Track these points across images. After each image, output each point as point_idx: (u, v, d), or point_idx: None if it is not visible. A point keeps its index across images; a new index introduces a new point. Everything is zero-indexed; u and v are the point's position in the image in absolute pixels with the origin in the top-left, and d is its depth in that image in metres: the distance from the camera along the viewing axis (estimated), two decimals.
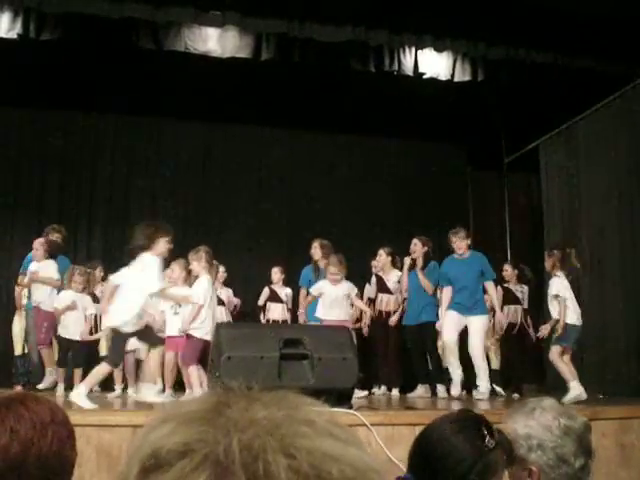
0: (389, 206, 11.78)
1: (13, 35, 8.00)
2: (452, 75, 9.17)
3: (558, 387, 7.08)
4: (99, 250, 10.95)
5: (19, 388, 7.28)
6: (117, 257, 10.58)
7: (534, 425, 2.11)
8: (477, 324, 7.46)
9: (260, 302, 9.57)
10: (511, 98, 9.93)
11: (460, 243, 7.84)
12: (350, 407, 4.97)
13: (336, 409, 4.62)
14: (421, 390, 8.20)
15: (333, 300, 7.48)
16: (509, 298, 8.87)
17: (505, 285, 9.04)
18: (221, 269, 9.21)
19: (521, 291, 9.13)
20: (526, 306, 9.08)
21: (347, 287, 7.67)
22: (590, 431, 2.19)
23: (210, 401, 0.69)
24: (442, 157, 12.47)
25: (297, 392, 0.72)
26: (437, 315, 8.22)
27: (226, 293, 9.26)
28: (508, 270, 9.18)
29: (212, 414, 0.66)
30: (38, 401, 1.57)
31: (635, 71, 8.45)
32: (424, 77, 9.14)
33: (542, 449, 2.08)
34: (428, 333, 8.18)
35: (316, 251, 8.36)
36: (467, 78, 9.24)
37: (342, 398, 4.93)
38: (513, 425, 2.16)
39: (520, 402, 2.31)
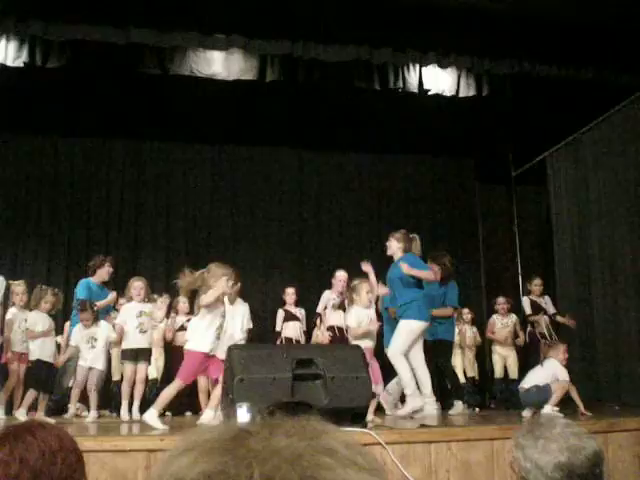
0: (398, 222, 11.73)
1: (20, 63, 8.05)
2: (457, 91, 9.18)
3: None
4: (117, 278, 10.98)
5: None
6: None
7: (535, 459, 2.01)
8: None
9: (278, 327, 9.40)
10: (517, 111, 9.92)
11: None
12: (365, 426, 4.94)
13: (351, 428, 4.60)
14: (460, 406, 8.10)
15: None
16: (535, 309, 9.07)
17: (531, 298, 9.21)
18: (182, 300, 9.19)
19: (545, 303, 9.24)
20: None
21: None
22: (601, 462, 2.04)
23: (232, 430, 0.68)
24: (450, 172, 12.48)
25: (319, 419, 0.71)
26: (453, 334, 8.22)
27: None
28: (538, 285, 9.40)
29: (233, 444, 0.65)
30: (46, 429, 1.57)
31: None
32: (429, 94, 9.16)
33: None
34: (443, 350, 8.12)
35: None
36: (472, 93, 9.24)
37: (356, 417, 4.90)
38: (517, 452, 2.08)
39: (530, 422, 2.20)
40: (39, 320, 7.46)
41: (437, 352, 8.07)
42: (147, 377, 7.97)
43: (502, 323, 9.55)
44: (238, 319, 7.13)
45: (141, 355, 7.60)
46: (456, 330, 8.79)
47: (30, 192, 11.05)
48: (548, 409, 6.67)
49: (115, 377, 8.50)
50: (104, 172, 11.46)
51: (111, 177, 11.48)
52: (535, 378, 7.11)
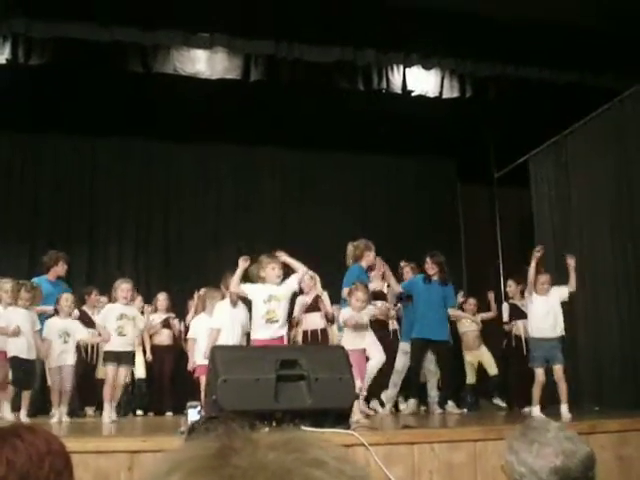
0: (380, 222, 11.76)
1: (2, 60, 7.99)
2: (440, 92, 9.21)
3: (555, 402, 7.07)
4: (99, 273, 10.95)
5: None
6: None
7: (530, 463, 1.99)
8: None
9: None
10: (500, 113, 9.97)
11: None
12: (348, 427, 4.94)
13: (334, 429, 4.60)
14: (413, 404, 8.10)
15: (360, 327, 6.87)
16: (516, 314, 8.68)
17: (511, 301, 8.92)
18: (161, 297, 9.20)
19: (525, 306, 9.04)
20: None
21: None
22: (593, 465, 2.04)
23: (214, 446, 0.66)
24: (432, 173, 12.51)
25: (303, 431, 0.69)
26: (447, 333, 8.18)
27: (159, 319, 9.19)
28: (512, 286, 8.99)
29: (218, 462, 0.64)
30: (33, 432, 1.55)
31: (622, 84, 8.49)
32: (412, 95, 9.18)
33: None
34: (440, 350, 8.01)
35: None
36: (455, 95, 9.28)
37: (340, 418, 4.90)
38: (511, 455, 2.06)
39: (523, 426, 2.15)
40: (14, 316, 7.09)
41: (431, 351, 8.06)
42: (132, 379, 7.80)
43: (468, 325, 9.23)
44: (238, 323, 7.12)
45: (123, 358, 7.45)
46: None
47: (11, 189, 10.96)
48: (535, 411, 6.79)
49: (99, 375, 8.33)
50: (87, 170, 11.43)
51: (94, 175, 11.45)
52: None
